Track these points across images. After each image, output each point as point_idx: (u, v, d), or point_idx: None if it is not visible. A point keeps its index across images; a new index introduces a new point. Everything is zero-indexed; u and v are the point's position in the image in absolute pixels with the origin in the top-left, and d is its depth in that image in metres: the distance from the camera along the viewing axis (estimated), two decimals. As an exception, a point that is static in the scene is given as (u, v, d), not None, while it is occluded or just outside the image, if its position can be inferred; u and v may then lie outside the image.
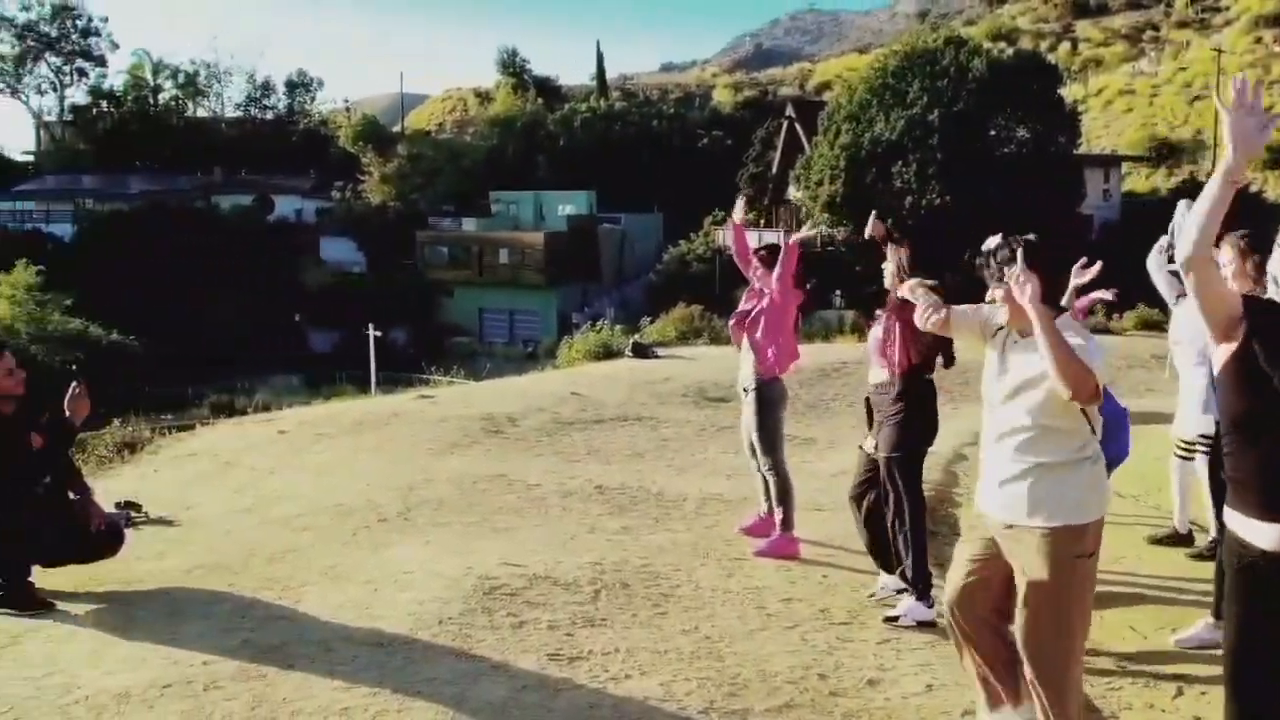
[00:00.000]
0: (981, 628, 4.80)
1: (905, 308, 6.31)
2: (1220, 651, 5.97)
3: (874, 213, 6.83)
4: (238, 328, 56.78)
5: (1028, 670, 4.58)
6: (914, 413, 6.60)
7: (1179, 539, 8.58)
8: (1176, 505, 8.60)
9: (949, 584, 4.93)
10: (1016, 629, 4.58)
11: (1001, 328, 4.67)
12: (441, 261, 66.36)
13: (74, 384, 6.46)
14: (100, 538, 6.45)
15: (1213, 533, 8.29)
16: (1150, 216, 50.80)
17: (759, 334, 8.00)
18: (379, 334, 44.72)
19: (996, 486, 4.60)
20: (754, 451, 8.17)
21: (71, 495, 6.51)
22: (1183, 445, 8.04)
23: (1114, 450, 4.82)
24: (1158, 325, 24.51)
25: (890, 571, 6.87)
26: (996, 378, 4.64)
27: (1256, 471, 3.65)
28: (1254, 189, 55.50)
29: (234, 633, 5.84)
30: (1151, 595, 7.45)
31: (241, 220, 68.32)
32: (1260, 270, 5.96)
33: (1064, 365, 4.20)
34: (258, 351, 54.38)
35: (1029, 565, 4.48)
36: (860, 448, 7.14)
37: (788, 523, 7.96)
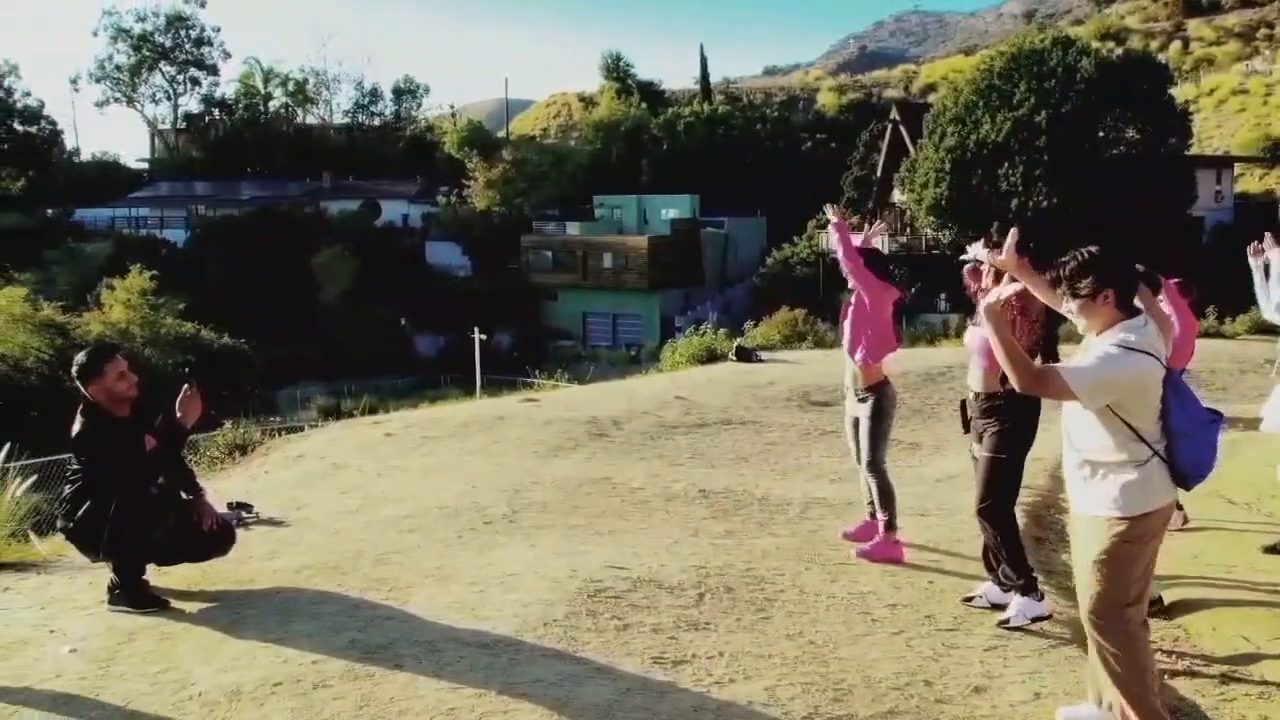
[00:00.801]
0: None
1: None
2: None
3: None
4: (345, 331, 57.59)
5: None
6: (1018, 417, 6.54)
7: None
8: None
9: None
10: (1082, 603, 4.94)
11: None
12: (546, 265, 66.73)
13: (186, 386, 6.59)
14: (212, 538, 6.56)
15: None
16: (1264, 218, 49.96)
17: (848, 331, 8.00)
18: (484, 337, 45.08)
19: (1069, 480, 5.03)
20: (859, 454, 8.15)
21: (185, 496, 6.64)
22: None
23: (1187, 458, 4.72)
24: (1272, 329, 23.93)
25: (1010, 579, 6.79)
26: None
27: None
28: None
29: (342, 632, 5.92)
30: (1266, 604, 7.29)
31: (349, 225, 69.31)
32: None
33: (1001, 356, 4.77)
34: (364, 355, 55.10)
35: (1081, 547, 4.93)
36: (972, 456, 7.07)
37: (891, 526, 7.92)
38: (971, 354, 6.80)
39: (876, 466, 7.96)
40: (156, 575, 6.64)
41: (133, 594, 6.39)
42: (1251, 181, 60.86)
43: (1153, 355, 4.67)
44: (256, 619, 6.18)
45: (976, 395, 6.78)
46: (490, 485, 9.52)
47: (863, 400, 8.01)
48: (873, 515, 8.06)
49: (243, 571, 6.99)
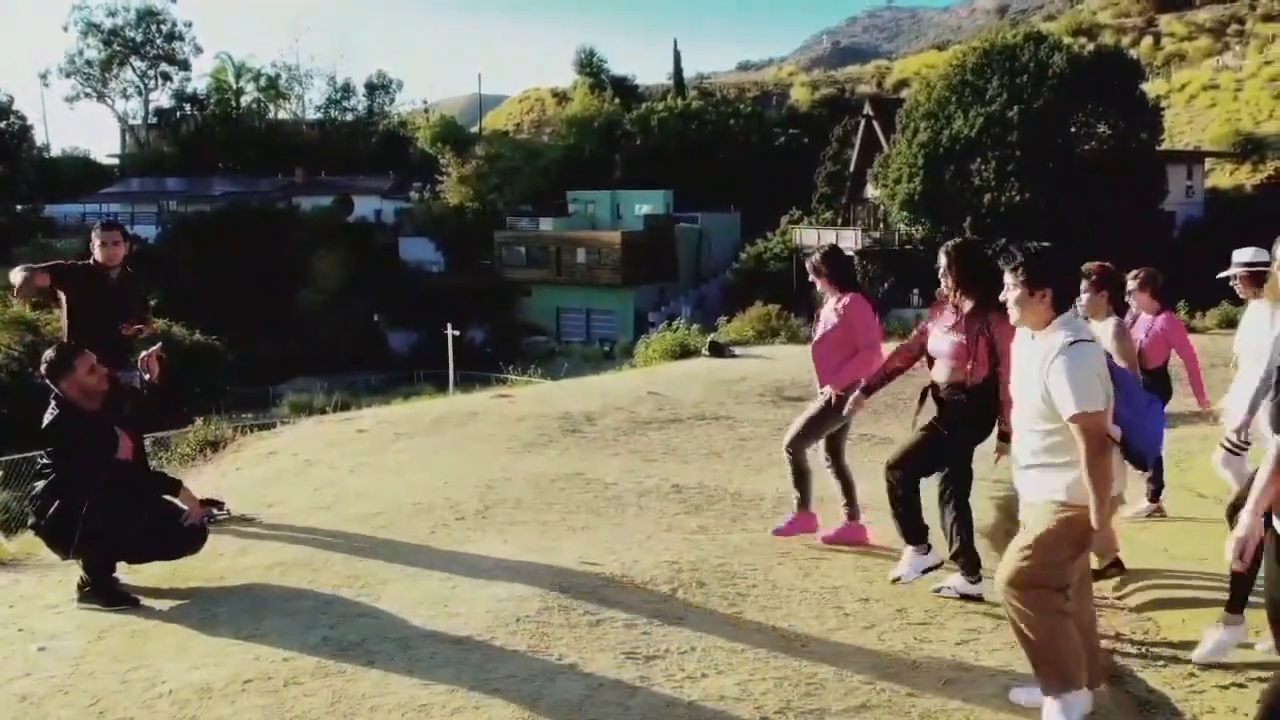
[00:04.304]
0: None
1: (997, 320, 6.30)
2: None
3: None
4: (317, 328, 57.40)
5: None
6: (975, 411, 6.62)
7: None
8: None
9: None
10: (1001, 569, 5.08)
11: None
12: (519, 261, 66.76)
13: (145, 354, 6.72)
14: (185, 535, 6.54)
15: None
16: (1235, 213, 50.30)
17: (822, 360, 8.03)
18: (457, 334, 44.97)
19: (1019, 471, 5.15)
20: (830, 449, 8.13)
21: (165, 496, 6.63)
22: (1230, 443, 8.01)
23: (1141, 440, 4.88)
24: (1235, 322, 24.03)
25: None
26: (1019, 373, 5.13)
27: None
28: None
29: (314, 629, 5.91)
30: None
31: (322, 221, 69.11)
32: None
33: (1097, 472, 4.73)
34: (337, 351, 54.96)
35: (1027, 528, 5.06)
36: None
37: (805, 502, 8.12)
38: (938, 355, 6.80)
39: (796, 446, 7.99)
40: (126, 572, 6.62)
41: (103, 591, 6.37)
42: (1222, 176, 61.27)
43: (1095, 341, 4.93)
44: (228, 616, 6.16)
45: (938, 385, 6.81)
46: (463, 481, 9.50)
47: (823, 392, 7.97)
48: (851, 516, 8.08)
49: (214, 568, 6.96)
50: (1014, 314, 5.00)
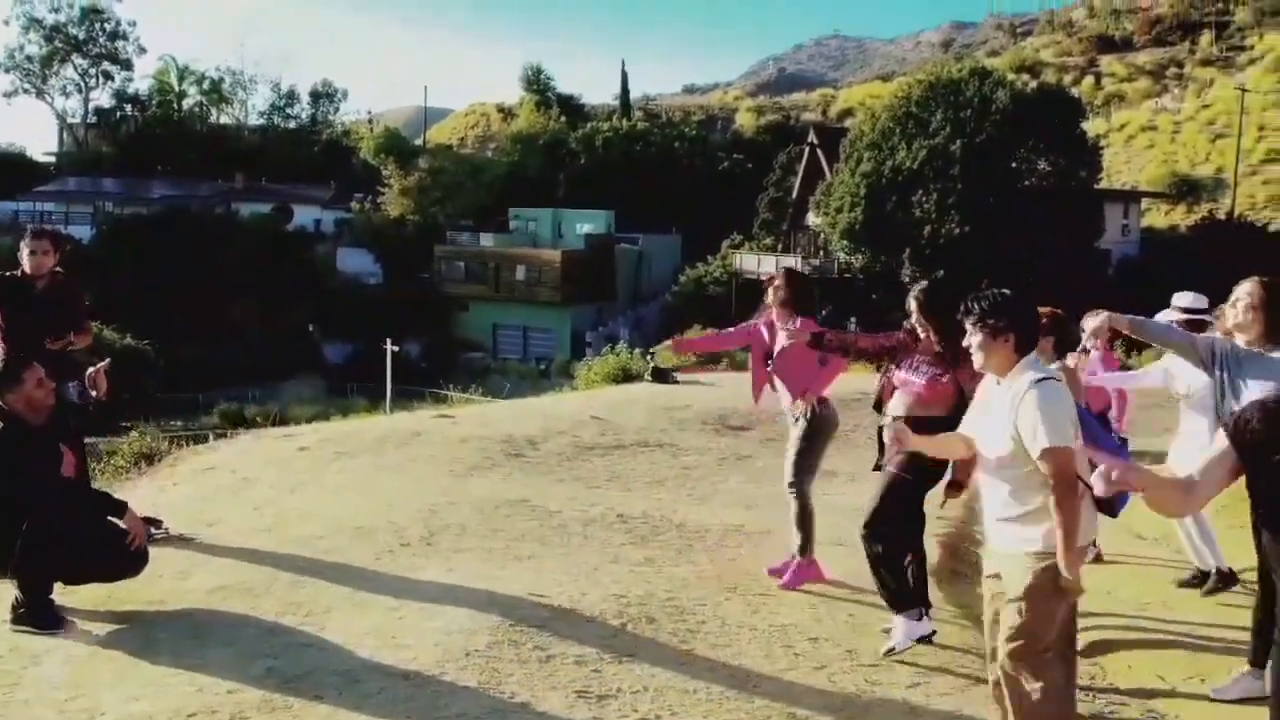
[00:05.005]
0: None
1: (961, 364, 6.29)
2: (1259, 701, 5.94)
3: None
4: (251, 336, 56.86)
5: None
6: None
7: (1204, 577, 8.50)
8: (1186, 545, 8.56)
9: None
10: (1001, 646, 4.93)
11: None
12: (458, 276, 66.58)
13: (104, 361, 6.55)
14: (126, 556, 6.36)
15: (1214, 563, 8.25)
16: (1169, 253, 51.04)
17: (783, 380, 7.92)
18: (396, 349, 44.66)
19: (990, 524, 5.09)
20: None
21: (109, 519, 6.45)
22: None
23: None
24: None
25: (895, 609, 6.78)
26: (982, 421, 5.08)
27: None
28: (1273, 229, 55.39)
29: (259, 660, 5.76)
30: (1181, 642, 7.39)
31: (260, 228, 68.52)
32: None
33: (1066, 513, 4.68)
34: (271, 361, 54.48)
35: (1008, 589, 4.89)
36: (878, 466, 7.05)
37: (805, 550, 7.88)
38: (901, 386, 6.74)
39: (799, 488, 7.83)
40: (60, 594, 6.42)
41: (38, 614, 6.17)
42: (1157, 216, 62.29)
43: (1062, 381, 4.93)
44: (169, 643, 6.00)
45: (896, 419, 6.73)
46: (406, 505, 9.35)
47: (798, 420, 7.87)
48: (802, 551, 8.00)
49: (153, 591, 6.77)
50: (978, 360, 4.97)
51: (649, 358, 22.54)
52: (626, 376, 20.58)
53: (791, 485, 7.84)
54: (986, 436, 4.99)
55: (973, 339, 4.92)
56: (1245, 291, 6.06)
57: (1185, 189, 63.33)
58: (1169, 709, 6.28)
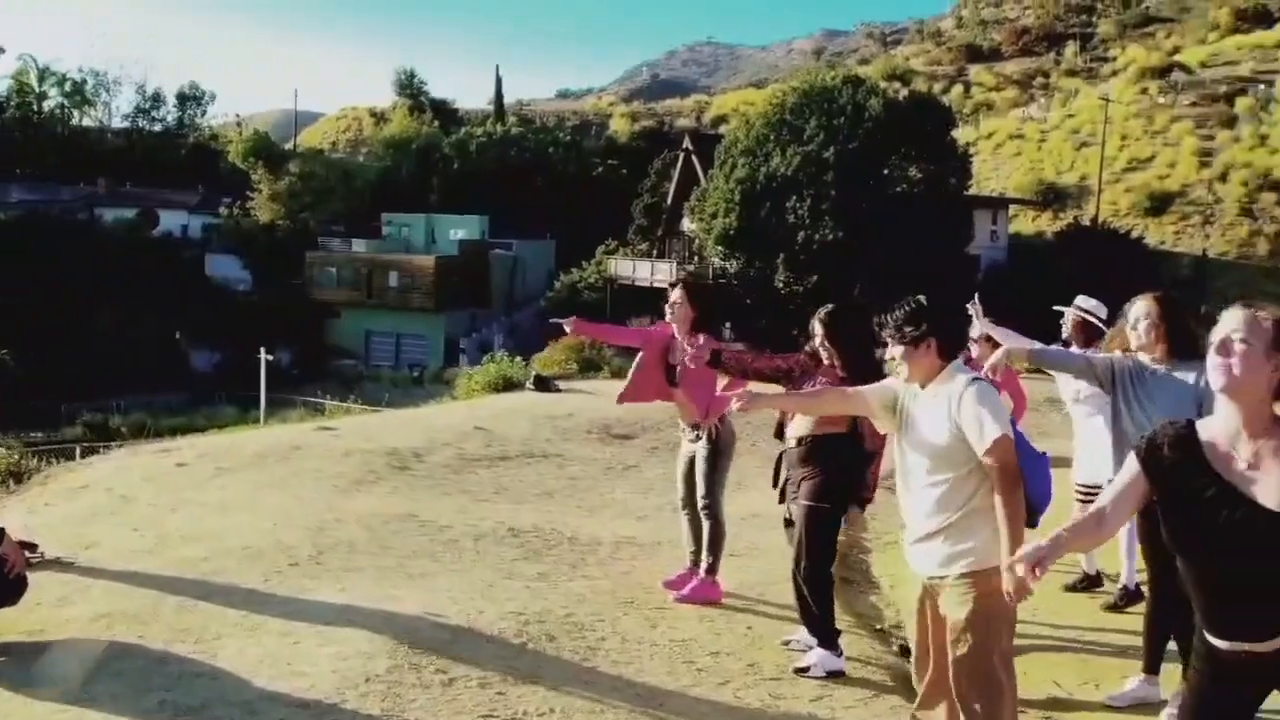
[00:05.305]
0: (936, 676, 4.96)
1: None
2: (1153, 708, 6.03)
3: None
4: (116, 344, 55.40)
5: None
6: (839, 463, 6.53)
7: (1091, 581, 8.66)
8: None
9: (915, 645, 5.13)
10: (951, 672, 4.80)
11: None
12: (330, 282, 65.76)
13: None
14: (3, 584, 6.07)
15: (1124, 580, 8.37)
16: (1035, 259, 52.19)
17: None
18: (270, 358, 43.84)
19: (916, 542, 4.89)
20: (686, 497, 7.98)
21: None
22: (1082, 490, 8.20)
23: (1033, 491, 4.81)
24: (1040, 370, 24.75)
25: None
26: (904, 433, 4.92)
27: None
28: (1135, 235, 57.00)
29: (150, 692, 5.50)
30: (1072, 647, 7.49)
31: (125, 234, 66.89)
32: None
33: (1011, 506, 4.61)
34: (136, 369, 53.17)
35: (949, 610, 4.75)
36: (787, 521, 7.03)
37: (713, 569, 7.83)
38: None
39: (713, 510, 7.75)
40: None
41: (-91, 647, 5.87)
42: (1025, 223, 63.81)
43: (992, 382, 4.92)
44: (54, 676, 5.73)
45: (797, 441, 6.71)
46: (292, 522, 9.12)
47: (698, 438, 7.80)
48: (694, 564, 7.94)
49: (31, 619, 6.45)
50: (903, 372, 4.88)
51: (528, 364, 22.44)
52: (508, 385, 20.40)
53: (706, 506, 7.77)
54: (913, 447, 4.85)
55: (894, 351, 4.85)
56: (1144, 311, 6.14)
57: (1051, 196, 64.97)
58: (1066, 715, 6.35)
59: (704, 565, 7.81)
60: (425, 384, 50.15)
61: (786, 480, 6.81)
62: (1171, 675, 6.18)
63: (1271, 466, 3.42)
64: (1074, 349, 7.87)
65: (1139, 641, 6.56)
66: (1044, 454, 4.87)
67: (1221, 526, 3.43)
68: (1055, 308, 8.50)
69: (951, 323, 4.89)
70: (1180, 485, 3.55)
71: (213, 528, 8.89)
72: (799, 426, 6.70)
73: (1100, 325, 8.04)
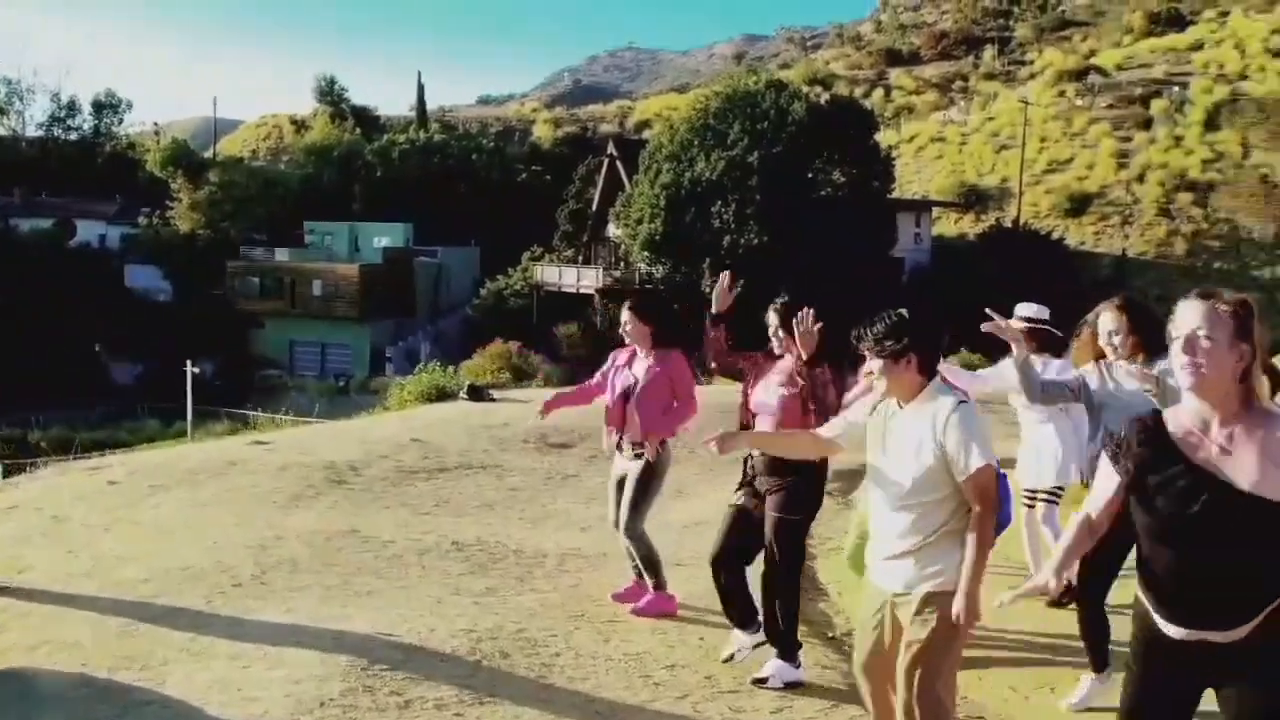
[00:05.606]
0: (887, 693, 4.86)
1: (821, 375, 6.25)
2: (1108, 709, 6.04)
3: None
4: (34, 357, 54.35)
5: None
6: (806, 474, 6.47)
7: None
8: (1029, 556, 8.71)
9: (855, 653, 5.00)
10: (901, 691, 4.70)
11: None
12: (252, 292, 65.04)
13: None
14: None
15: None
16: (958, 260, 52.78)
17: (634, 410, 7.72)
18: (197, 371, 43.17)
19: (885, 559, 4.77)
20: (617, 517, 7.84)
21: None
22: (1028, 494, 8.26)
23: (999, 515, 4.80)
24: (974, 368, 24.96)
25: (744, 628, 6.71)
26: (881, 450, 4.78)
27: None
28: (1055, 236, 57.78)
29: (97, 724, 5.36)
30: (1024, 652, 7.50)
31: (41, 245, 65.66)
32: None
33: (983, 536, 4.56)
34: (55, 382, 52.20)
35: (908, 626, 4.66)
36: (730, 505, 6.90)
37: (661, 585, 7.76)
38: (763, 411, 6.63)
39: (634, 532, 7.62)
40: None
41: None
42: (947, 225, 64.52)
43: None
44: (-7, 709, 5.56)
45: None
46: (233, 541, 8.93)
47: (637, 456, 7.66)
48: (640, 576, 7.85)
49: (-33, 649, 6.28)
50: (881, 387, 4.78)
51: (457, 373, 22.31)
52: (441, 395, 20.23)
53: (628, 530, 7.64)
54: (891, 466, 4.73)
55: (872, 365, 4.73)
56: (1114, 325, 6.23)
57: (973, 198, 65.74)
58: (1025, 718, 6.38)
59: (650, 585, 7.72)
60: (352, 393, 49.75)
61: (752, 478, 6.71)
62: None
63: (1244, 448, 3.47)
64: (1020, 358, 7.95)
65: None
66: (1003, 474, 4.85)
67: (1196, 513, 3.47)
68: (987, 311, 8.50)
69: (932, 338, 4.77)
70: (1152, 476, 3.58)
71: (150, 548, 8.68)
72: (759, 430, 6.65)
73: (1050, 329, 8.10)
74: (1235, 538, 3.43)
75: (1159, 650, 3.67)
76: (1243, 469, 3.43)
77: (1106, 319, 6.25)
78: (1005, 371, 8.15)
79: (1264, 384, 3.60)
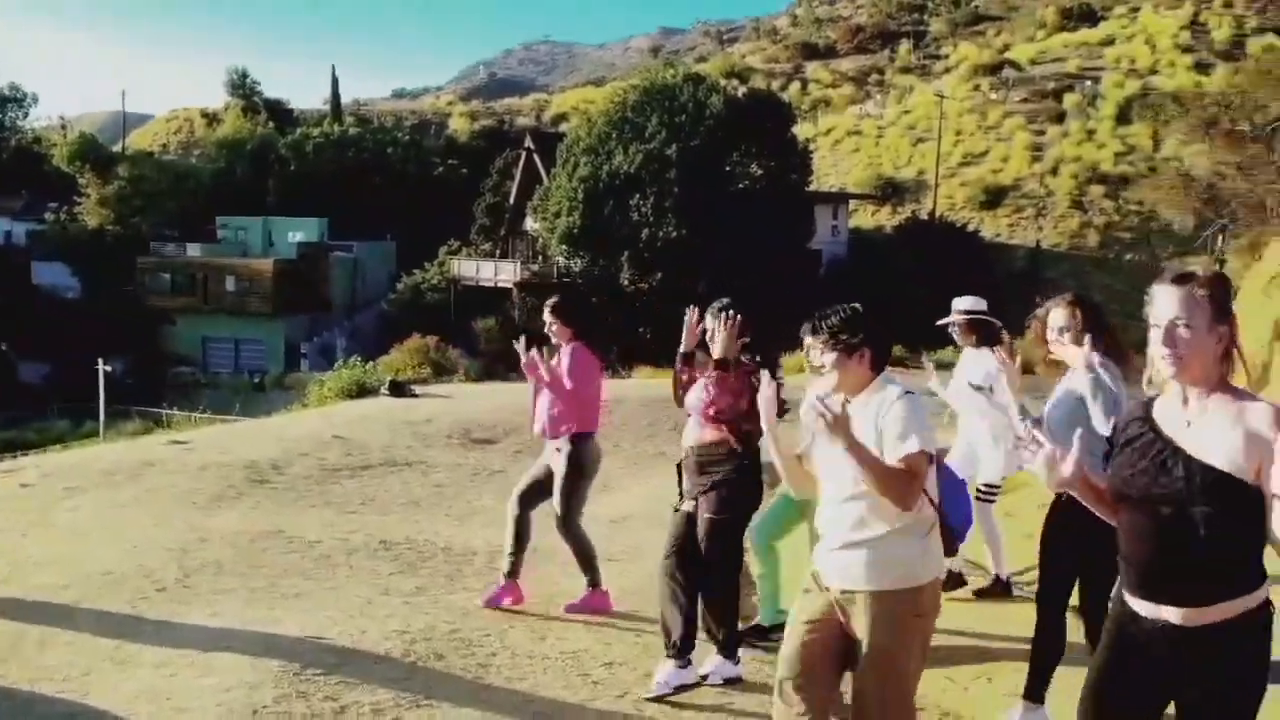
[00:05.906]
0: (815, 694, 4.63)
1: (740, 372, 6.17)
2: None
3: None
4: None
5: None
6: (739, 473, 6.38)
7: (1003, 585, 8.53)
8: (988, 551, 8.62)
9: (784, 649, 4.74)
10: (854, 692, 4.56)
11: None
12: (164, 288, 63.96)
13: None
14: None
15: (996, 569, 8.42)
16: (875, 252, 53.18)
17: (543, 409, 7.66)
18: (109, 370, 42.28)
19: (833, 552, 4.58)
20: (523, 504, 7.77)
21: None
22: (982, 490, 8.22)
23: (955, 518, 4.70)
24: (900, 361, 25.05)
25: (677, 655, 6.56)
26: (829, 444, 4.54)
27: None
28: (971, 228, 58.40)
29: (20, 737, 5.16)
30: (960, 642, 7.46)
31: (-57, 242, 64.19)
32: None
33: (882, 483, 4.34)
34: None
35: (866, 629, 4.47)
36: (675, 509, 6.80)
37: (596, 582, 7.67)
38: (690, 412, 6.55)
39: (568, 527, 7.56)
40: None
41: None
42: (864, 217, 65.00)
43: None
44: (-92, 724, 5.34)
45: (691, 450, 6.56)
46: (153, 544, 8.71)
47: (560, 449, 7.57)
48: (512, 573, 7.73)
49: (-121, 661, 6.04)
50: (831, 380, 4.63)
51: (375, 368, 22.06)
52: (362, 391, 19.98)
53: (562, 525, 7.58)
54: (839, 457, 4.48)
55: (825, 359, 4.60)
56: (1064, 320, 6.13)
57: (890, 191, 66.24)
58: (964, 711, 6.34)
59: (586, 582, 7.64)
60: (267, 390, 49.12)
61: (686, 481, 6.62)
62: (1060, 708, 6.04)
63: (1213, 424, 3.48)
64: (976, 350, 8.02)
65: (1013, 630, 6.57)
66: (963, 479, 4.77)
67: (1164, 483, 3.49)
68: (939, 323, 8.49)
69: (884, 334, 4.69)
70: (1133, 446, 3.63)
71: (68, 552, 8.44)
72: (689, 435, 6.56)
73: (991, 320, 8.09)
74: (1196, 506, 3.43)
75: (1126, 629, 3.67)
76: (1207, 445, 3.45)
77: (1057, 315, 6.20)
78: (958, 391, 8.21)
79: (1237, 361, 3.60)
